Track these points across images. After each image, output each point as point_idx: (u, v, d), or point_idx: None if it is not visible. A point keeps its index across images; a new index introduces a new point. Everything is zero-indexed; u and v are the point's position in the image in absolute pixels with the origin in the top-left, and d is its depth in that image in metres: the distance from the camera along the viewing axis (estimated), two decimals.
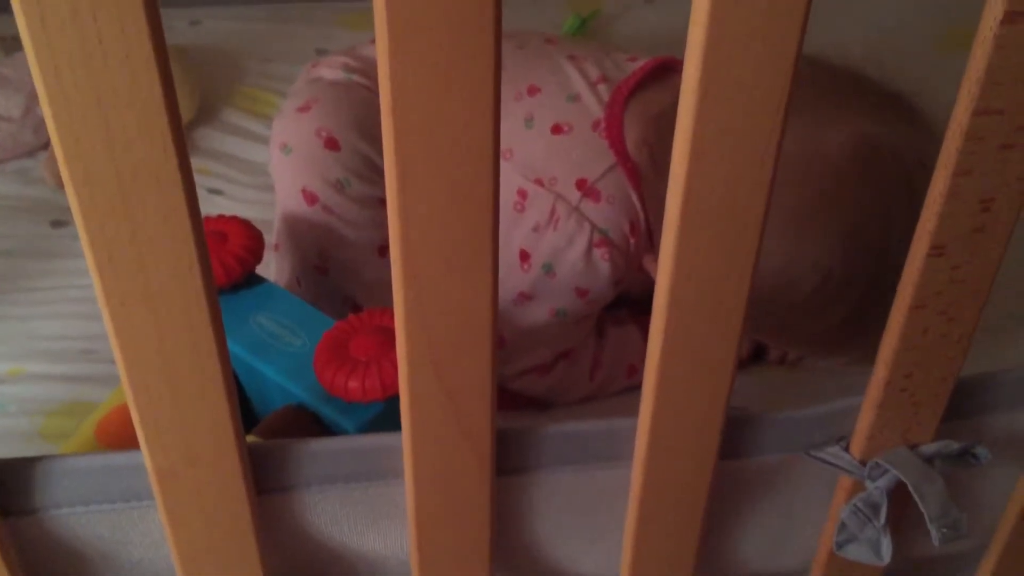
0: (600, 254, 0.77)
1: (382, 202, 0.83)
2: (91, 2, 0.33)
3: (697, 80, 0.38)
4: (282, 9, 1.25)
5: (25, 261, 0.91)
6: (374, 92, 0.90)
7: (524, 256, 0.79)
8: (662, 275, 0.44)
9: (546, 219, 0.78)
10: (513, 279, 0.78)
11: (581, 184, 0.78)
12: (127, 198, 0.38)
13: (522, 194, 0.79)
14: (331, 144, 0.83)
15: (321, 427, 0.65)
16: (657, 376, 0.47)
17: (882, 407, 0.51)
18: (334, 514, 0.53)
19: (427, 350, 0.44)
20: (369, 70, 0.92)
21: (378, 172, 0.84)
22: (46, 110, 0.35)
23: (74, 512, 0.51)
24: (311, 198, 0.82)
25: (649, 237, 0.79)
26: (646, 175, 0.78)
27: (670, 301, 0.44)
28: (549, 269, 0.78)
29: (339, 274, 0.83)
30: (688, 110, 0.39)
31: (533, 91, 0.82)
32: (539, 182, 0.79)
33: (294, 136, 0.85)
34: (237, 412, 0.46)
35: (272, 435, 0.63)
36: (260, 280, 0.74)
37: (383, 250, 0.83)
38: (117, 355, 0.43)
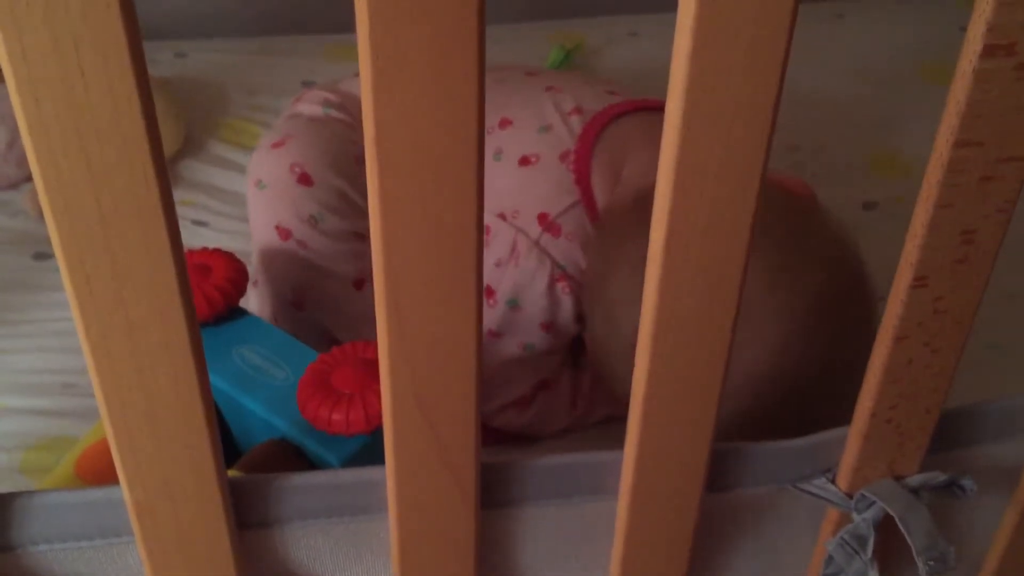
0: (562, 288, 0.77)
1: (357, 236, 0.84)
2: (73, 34, 0.33)
3: (680, 113, 0.38)
4: (268, 42, 1.25)
5: (6, 294, 0.91)
6: (352, 127, 0.90)
7: (489, 292, 0.79)
8: (647, 302, 0.44)
9: (507, 254, 0.78)
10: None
11: (543, 219, 0.78)
12: (108, 230, 0.38)
13: (486, 229, 0.79)
14: (304, 179, 0.84)
15: (305, 461, 0.65)
16: (642, 408, 0.47)
17: (868, 438, 0.51)
18: (317, 549, 0.52)
19: (410, 383, 0.44)
20: (348, 104, 0.92)
21: (352, 206, 0.84)
22: (26, 141, 0.35)
23: (52, 548, 0.50)
24: (285, 233, 0.82)
25: None
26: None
27: (654, 329, 0.44)
28: (514, 304, 0.78)
29: (315, 309, 0.83)
30: (671, 143, 0.39)
31: (504, 124, 0.83)
32: (502, 216, 0.79)
33: (268, 172, 0.85)
34: (218, 446, 0.46)
35: (255, 469, 0.62)
36: (243, 313, 0.74)
37: (360, 283, 0.83)
38: (97, 389, 0.42)
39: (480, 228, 0.40)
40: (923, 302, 0.47)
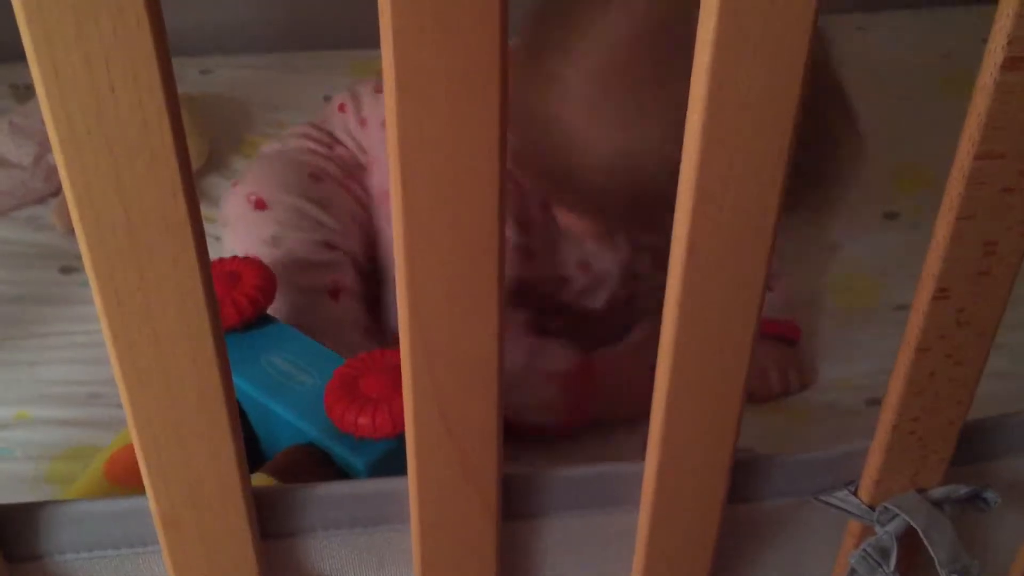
0: None
1: (328, 246, 0.85)
2: (104, 51, 0.33)
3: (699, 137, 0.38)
4: (291, 58, 1.27)
5: (34, 307, 0.92)
6: (321, 155, 0.93)
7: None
8: (668, 312, 0.44)
9: None
10: None
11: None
12: (136, 244, 0.38)
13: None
14: (260, 205, 0.87)
15: (331, 465, 0.65)
16: (664, 418, 0.47)
17: (890, 451, 0.51)
18: (340, 559, 0.53)
19: (432, 394, 0.44)
20: (325, 137, 0.95)
21: (313, 221, 0.86)
22: (58, 156, 0.36)
23: (79, 558, 0.50)
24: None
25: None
26: None
27: (676, 335, 0.44)
28: None
29: (293, 322, 0.83)
30: (690, 165, 0.39)
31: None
32: None
33: (230, 208, 0.90)
34: (243, 457, 0.46)
35: (281, 473, 0.63)
36: (272, 320, 0.75)
37: (335, 293, 0.84)
38: (124, 398, 0.43)
39: (502, 242, 0.40)
40: (945, 314, 0.47)
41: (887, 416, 0.50)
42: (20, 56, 1.10)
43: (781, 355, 0.86)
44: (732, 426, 0.48)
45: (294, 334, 0.73)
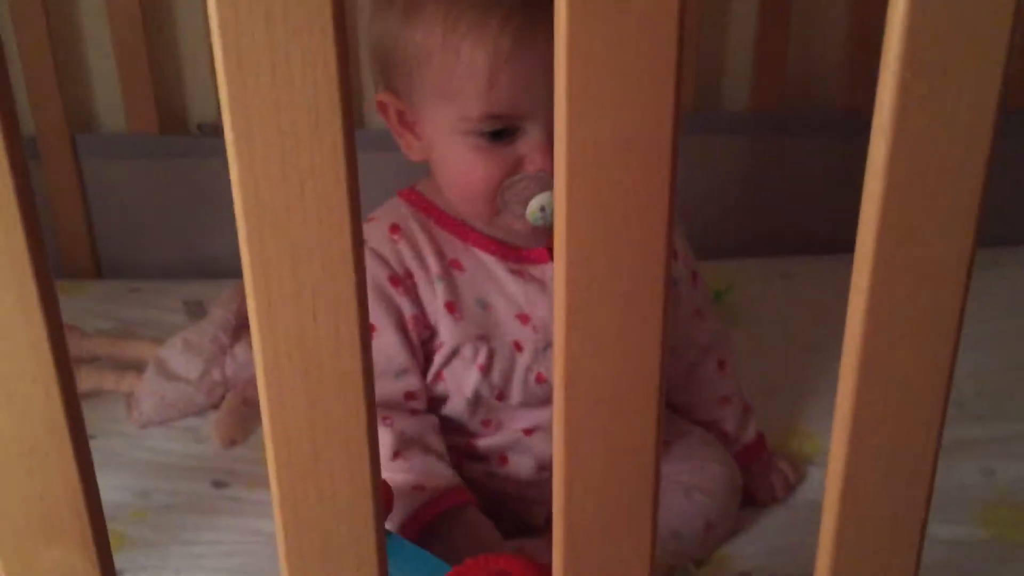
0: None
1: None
2: (312, 283, 0.37)
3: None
4: None
5: (183, 515, 0.95)
6: None
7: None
8: (839, 433, 0.43)
9: None
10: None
11: None
12: (319, 460, 0.41)
13: None
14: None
15: None
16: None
17: None
18: None
19: None
20: None
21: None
22: (260, 378, 0.39)
23: None
24: None
25: None
26: None
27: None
28: None
29: None
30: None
31: None
32: None
33: None
34: None
35: None
36: (386, 533, 0.75)
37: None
38: None
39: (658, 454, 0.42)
40: None
41: None
42: (192, 274, 1.21)
43: (771, 459, 0.93)
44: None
45: (398, 540, 0.73)
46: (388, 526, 0.78)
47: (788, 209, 1.34)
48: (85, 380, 1.07)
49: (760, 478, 0.91)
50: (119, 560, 0.88)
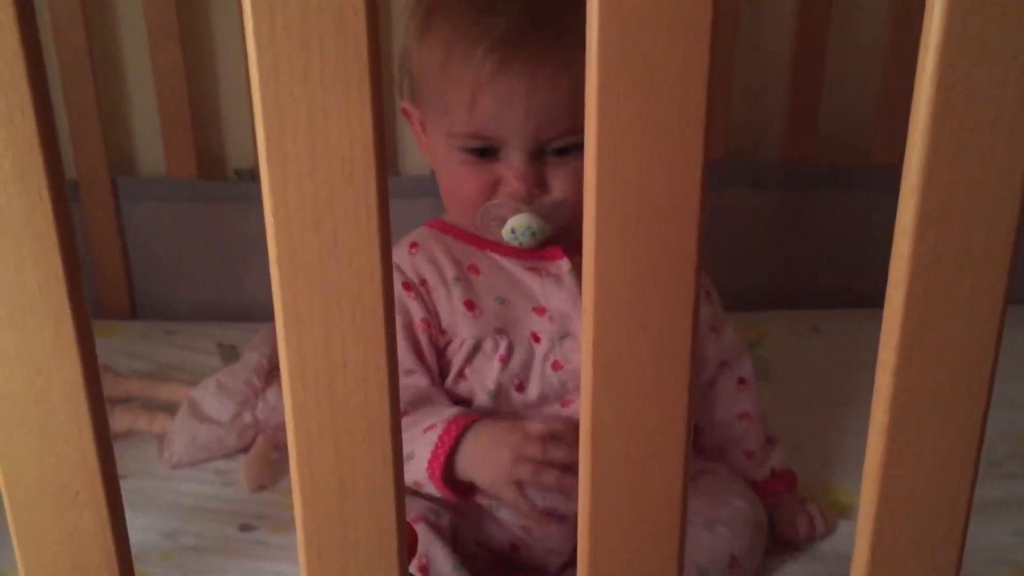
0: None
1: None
2: (342, 332, 0.38)
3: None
4: None
5: (208, 557, 0.95)
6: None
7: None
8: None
9: None
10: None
11: None
12: (345, 506, 0.41)
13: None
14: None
15: None
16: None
17: None
18: None
19: None
20: None
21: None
22: (289, 423, 0.40)
23: None
24: None
25: None
26: None
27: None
28: None
29: None
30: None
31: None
32: None
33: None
34: None
35: None
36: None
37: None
38: None
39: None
40: None
41: None
42: (227, 317, 1.22)
43: (802, 502, 0.91)
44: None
45: None
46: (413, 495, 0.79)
47: (818, 261, 1.34)
48: (119, 421, 1.08)
49: (785, 516, 0.90)
50: None
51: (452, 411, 0.80)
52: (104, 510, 0.43)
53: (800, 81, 1.28)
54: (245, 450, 1.06)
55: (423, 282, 0.84)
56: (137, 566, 0.86)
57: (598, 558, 0.42)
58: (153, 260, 1.36)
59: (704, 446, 0.92)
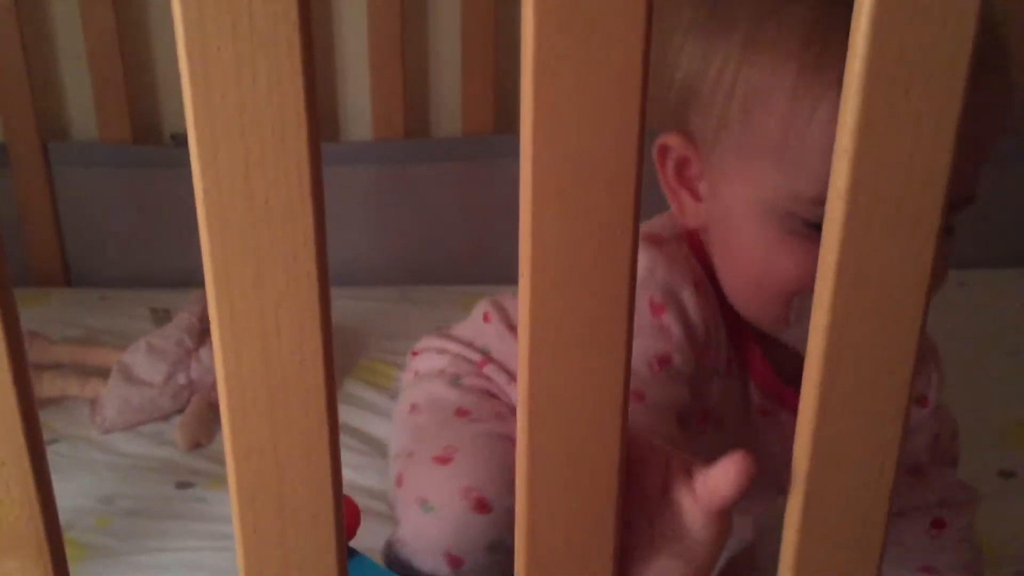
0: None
1: None
2: (276, 298, 0.37)
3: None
4: (409, 291, 1.34)
5: (148, 521, 0.94)
6: (489, 389, 0.87)
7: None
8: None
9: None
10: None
11: None
12: (282, 473, 0.41)
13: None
14: (480, 507, 0.75)
15: None
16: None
17: None
18: None
19: None
20: (464, 351, 0.91)
21: None
22: (222, 390, 0.39)
23: None
24: (455, 561, 0.75)
25: None
26: None
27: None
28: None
29: None
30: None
31: None
32: None
33: (435, 493, 0.77)
34: None
35: None
36: (353, 553, 0.74)
37: None
38: None
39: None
40: None
41: None
42: (163, 284, 1.20)
43: None
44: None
45: (373, 567, 0.73)
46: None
47: None
48: (49, 386, 1.06)
49: None
50: (82, 573, 0.87)
51: None
52: (31, 481, 0.42)
53: None
54: (180, 411, 1.05)
55: (692, 339, 0.63)
56: (73, 534, 0.85)
57: (537, 524, 0.42)
58: (86, 227, 1.34)
59: None
